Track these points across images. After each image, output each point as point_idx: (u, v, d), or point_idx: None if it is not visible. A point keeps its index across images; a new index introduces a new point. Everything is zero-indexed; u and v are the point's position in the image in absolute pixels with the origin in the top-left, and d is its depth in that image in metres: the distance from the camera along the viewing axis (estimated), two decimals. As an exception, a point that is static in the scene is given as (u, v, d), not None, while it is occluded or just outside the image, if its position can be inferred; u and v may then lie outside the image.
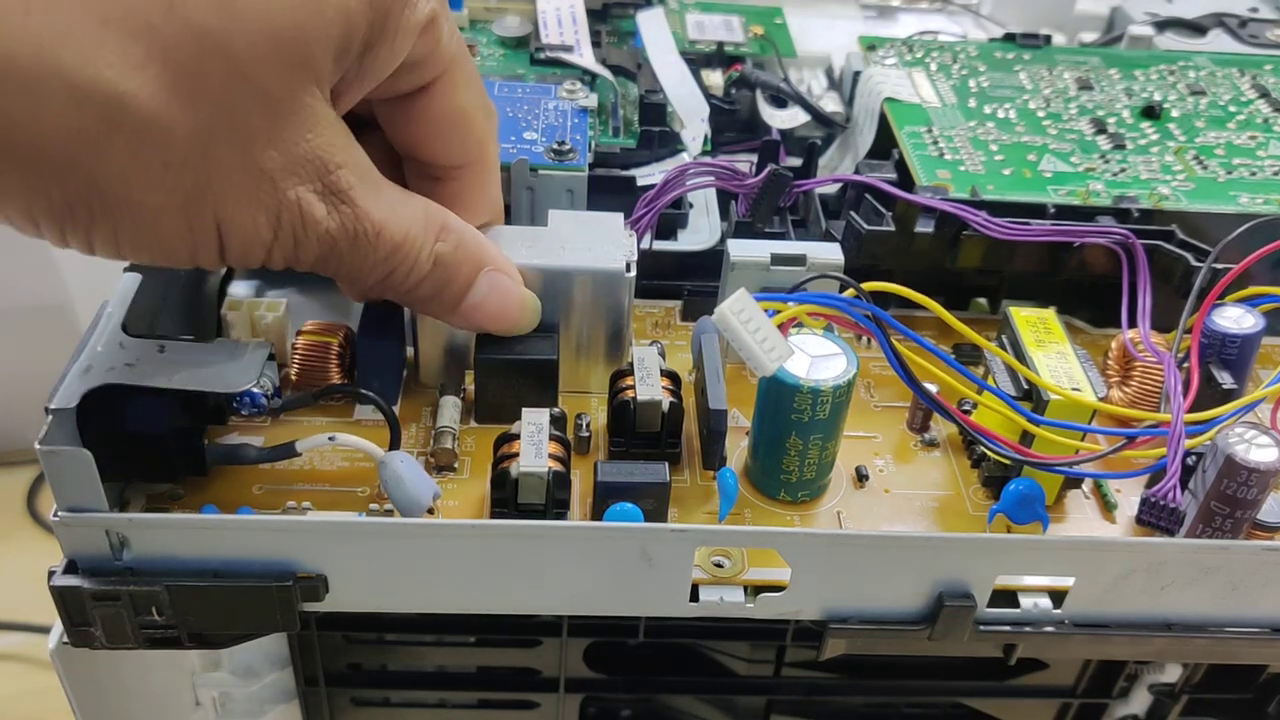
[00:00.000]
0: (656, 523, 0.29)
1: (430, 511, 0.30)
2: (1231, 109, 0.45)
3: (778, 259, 0.35)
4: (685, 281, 0.40)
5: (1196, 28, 0.55)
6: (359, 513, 0.31)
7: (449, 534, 0.29)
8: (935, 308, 0.32)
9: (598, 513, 0.30)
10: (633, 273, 0.34)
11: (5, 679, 0.73)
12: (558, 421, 0.32)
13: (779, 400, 0.31)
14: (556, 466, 0.30)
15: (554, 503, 0.30)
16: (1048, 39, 0.51)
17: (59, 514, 0.28)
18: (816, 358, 0.31)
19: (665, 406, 0.32)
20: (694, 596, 0.30)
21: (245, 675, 0.36)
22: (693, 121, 0.45)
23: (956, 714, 0.41)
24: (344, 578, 0.29)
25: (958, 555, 0.29)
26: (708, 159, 0.42)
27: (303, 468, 0.33)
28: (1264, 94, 0.46)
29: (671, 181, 0.38)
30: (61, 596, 0.28)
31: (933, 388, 0.32)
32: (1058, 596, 0.31)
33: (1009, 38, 0.51)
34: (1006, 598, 0.31)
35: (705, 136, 0.45)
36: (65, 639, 0.30)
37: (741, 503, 0.33)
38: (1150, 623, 0.31)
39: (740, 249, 0.36)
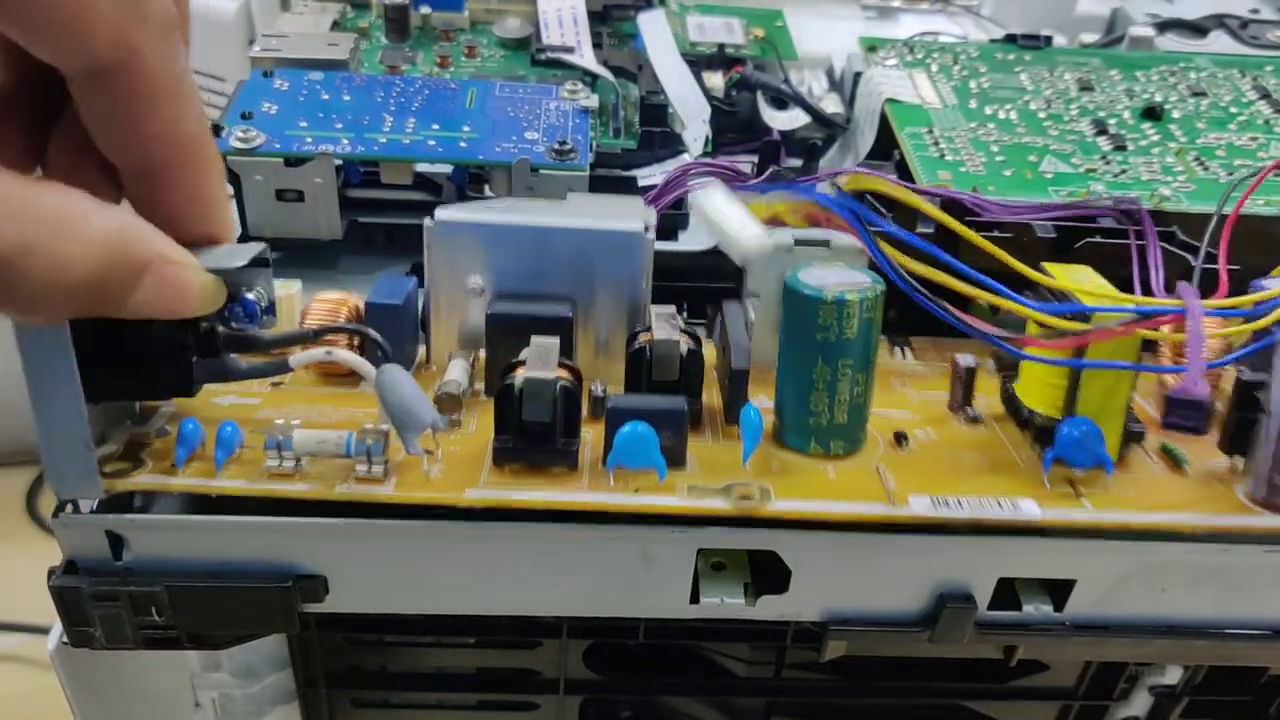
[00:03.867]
0: (657, 526, 0.29)
1: (430, 449, 0.29)
2: (1232, 110, 0.45)
3: (801, 242, 0.34)
4: (685, 283, 0.40)
5: (1197, 29, 0.55)
6: (349, 433, 0.29)
7: (449, 534, 0.29)
8: (924, 206, 0.31)
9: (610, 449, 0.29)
10: (652, 235, 0.32)
11: (5, 679, 0.73)
12: (573, 372, 0.30)
13: (803, 321, 0.29)
14: (566, 381, 0.29)
15: (564, 425, 0.29)
16: (1048, 40, 0.51)
17: (59, 514, 0.28)
18: (839, 283, 0.29)
19: (683, 350, 0.30)
20: (694, 598, 0.30)
21: (245, 676, 0.36)
22: (694, 123, 0.45)
23: (957, 716, 0.41)
24: (344, 579, 0.29)
25: (958, 556, 0.29)
26: (709, 160, 0.42)
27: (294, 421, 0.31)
28: (1265, 95, 0.46)
29: (673, 182, 0.38)
30: (61, 597, 0.28)
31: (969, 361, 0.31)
32: (1058, 598, 0.31)
33: (1010, 39, 0.51)
34: (1007, 598, 0.31)
35: (706, 138, 0.45)
36: (65, 639, 0.30)
37: (770, 458, 0.31)
38: (1151, 624, 0.31)
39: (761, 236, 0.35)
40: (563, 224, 0.32)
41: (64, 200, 0.23)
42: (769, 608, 0.30)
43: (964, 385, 0.33)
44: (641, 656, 0.38)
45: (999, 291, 0.30)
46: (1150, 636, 0.31)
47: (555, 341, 0.30)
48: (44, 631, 0.31)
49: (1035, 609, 0.31)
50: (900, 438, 0.32)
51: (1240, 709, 0.39)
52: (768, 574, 0.30)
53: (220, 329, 0.30)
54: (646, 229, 0.32)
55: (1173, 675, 0.39)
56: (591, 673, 0.37)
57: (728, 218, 0.29)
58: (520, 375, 0.28)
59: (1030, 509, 0.29)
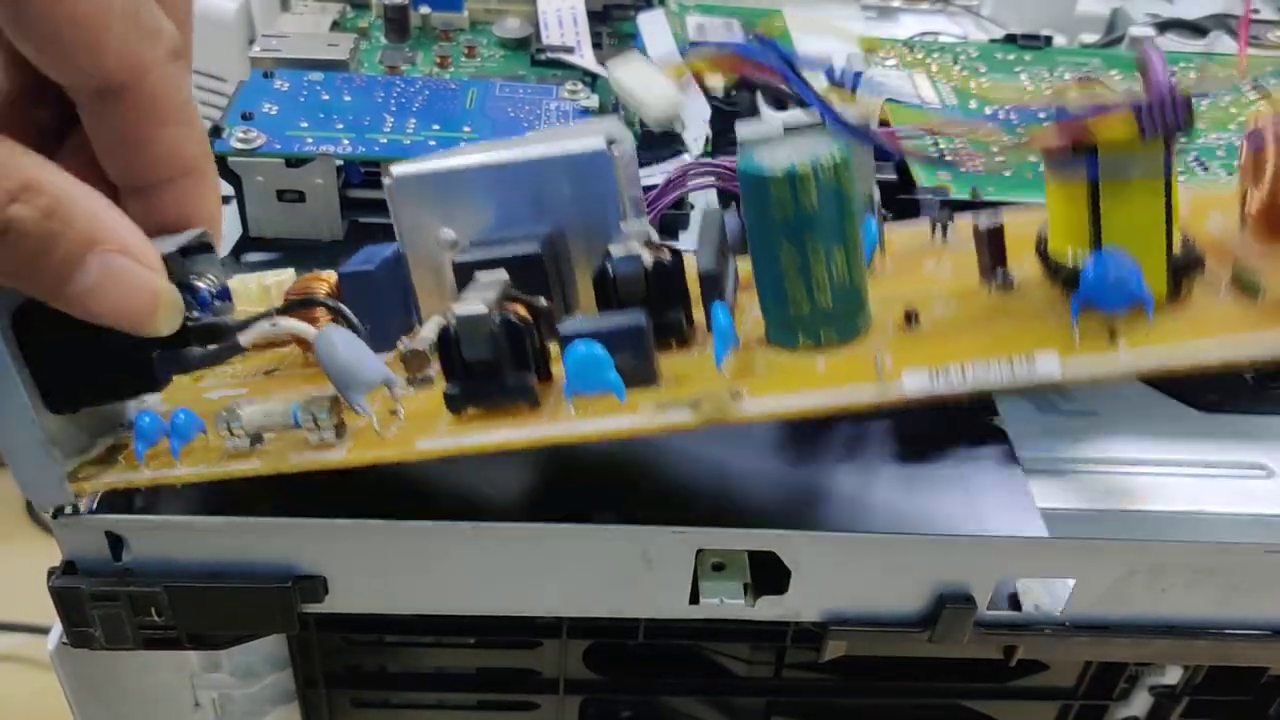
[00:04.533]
0: (657, 526, 0.29)
1: (392, 410, 0.27)
2: (1233, 110, 0.45)
3: (791, 129, 0.30)
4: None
5: (1197, 29, 0.55)
6: (296, 402, 0.27)
7: (449, 534, 0.29)
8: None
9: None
10: (622, 150, 0.29)
11: (5, 679, 0.74)
12: (529, 307, 0.27)
13: (758, 203, 0.26)
14: (514, 316, 0.26)
15: (512, 360, 0.27)
16: (1048, 40, 0.51)
17: (58, 515, 0.28)
18: (791, 156, 0.26)
19: (647, 262, 0.28)
20: (694, 598, 0.30)
21: (245, 676, 0.36)
22: (694, 123, 0.45)
23: (957, 716, 0.41)
24: (343, 579, 0.29)
25: (958, 556, 0.29)
26: (709, 160, 0.42)
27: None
28: (1265, 96, 0.46)
29: (674, 182, 0.38)
30: (60, 597, 0.28)
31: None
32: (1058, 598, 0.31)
33: (1010, 39, 0.51)
34: (1007, 598, 0.31)
35: (706, 138, 0.45)
36: (64, 640, 0.30)
37: (756, 361, 0.28)
38: (1151, 624, 0.31)
39: (749, 128, 0.30)
40: (521, 156, 0.30)
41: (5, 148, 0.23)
42: (769, 608, 0.30)
43: (989, 248, 0.28)
44: (641, 657, 0.38)
45: (933, 110, 0.27)
46: (1150, 636, 0.31)
47: (500, 275, 0.28)
48: (44, 632, 0.31)
49: (1035, 609, 0.31)
50: (911, 316, 0.28)
51: (1240, 709, 0.39)
52: (768, 574, 0.30)
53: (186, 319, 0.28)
54: (610, 143, 0.29)
55: (1173, 675, 0.39)
56: (591, 673, 0.37)
57: (638, 81, 0.27)
58: (451, 313, 0.27)
59: (1048, 366, 0.25)
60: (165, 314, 0.26)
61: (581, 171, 0.30)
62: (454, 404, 0.27)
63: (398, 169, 0.31)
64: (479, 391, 0.27)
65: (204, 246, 0.27)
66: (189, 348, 0.28)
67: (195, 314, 0.28)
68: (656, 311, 0.28)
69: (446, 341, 0.27)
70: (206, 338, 0.28)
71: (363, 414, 0.27)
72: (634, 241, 0.28)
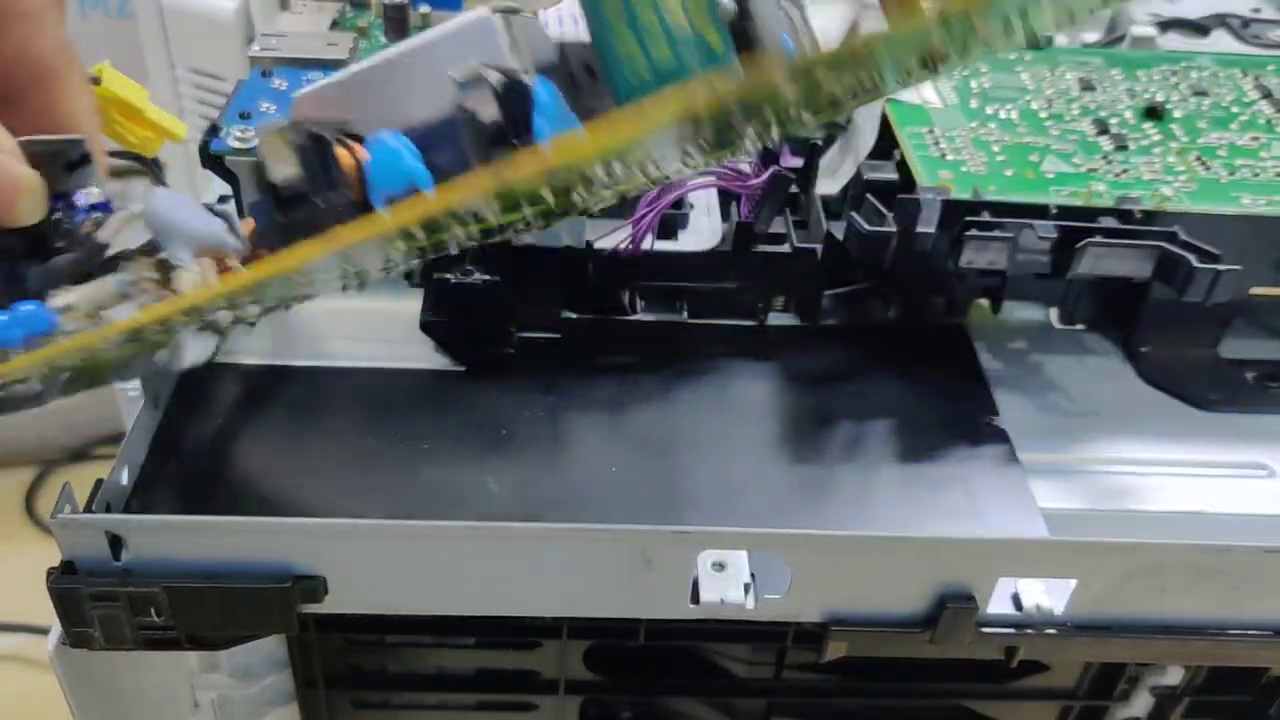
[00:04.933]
0: (657, 526, 0.29)
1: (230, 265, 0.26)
2: (1234, 110, 0.45)
3: None
4: (687, 283, 0.39)
5: (1199, 28, 0.55)
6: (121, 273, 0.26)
7: (449, 535, 0.28)
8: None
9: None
10: (525, 17, 0.27)
11: (4, 680, 0.74)
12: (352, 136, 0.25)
13: None
14: (314, 128, 0.25)
15: (322, 177, 0.25)
16: (1050, 39, 0.51)
17: (57, 515, 0.28)
18: None
19: (495, 81, 0.25)
20: (695, 598, 0.30)
21: (244, 677, 0.36)
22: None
23: (957, 716, 0.41)
24: (343, 579, 0.29)
25: (959, 556, 0.29)
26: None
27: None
28: (1267, 94, 0.46)
29: (673, 182, 0.38)
30: (60, 598, 0.28)
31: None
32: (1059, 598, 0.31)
33: (1011, 38, 0.51)
34: (1008, 599, 0.31)
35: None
36: (64, 640, 0.30)
37: None
38: (1152, 625, 0.31)
39: None
40: (411, 45, 0.28)
41: None
42: (769, 608, 0.30)
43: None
44: (641, 658, 0.37)
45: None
46: (1151, 637, 0.31)
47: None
48: (43, 632, 0.31)
49: (1036, 609, 0.31)
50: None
51: (1241, 709, 0.39)
52: (768, 574, 0.30)
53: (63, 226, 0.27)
54: (499, 11, 0.27)
55: (1173, 676, 0.39)
56: (591, 674, 0.37)
57: None
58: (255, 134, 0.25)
59: None
60: (27, 201, 0.24)
61: (471, 44, 0.27)
62: (268, 241, 0.26)
63: (299, 93, 0.29)
64: (290, 222, 0.25)
65: (84, 159, 0.26)
66: (58, 257, 0.26)
67: (72, 223, 0.26)
68: (511, 135, 0.25)
69: (258, 175, 0.25)
70: (75, 244, 0.27)
71: (183, 264, 0.26)
72: (479, 66, 0.25)
